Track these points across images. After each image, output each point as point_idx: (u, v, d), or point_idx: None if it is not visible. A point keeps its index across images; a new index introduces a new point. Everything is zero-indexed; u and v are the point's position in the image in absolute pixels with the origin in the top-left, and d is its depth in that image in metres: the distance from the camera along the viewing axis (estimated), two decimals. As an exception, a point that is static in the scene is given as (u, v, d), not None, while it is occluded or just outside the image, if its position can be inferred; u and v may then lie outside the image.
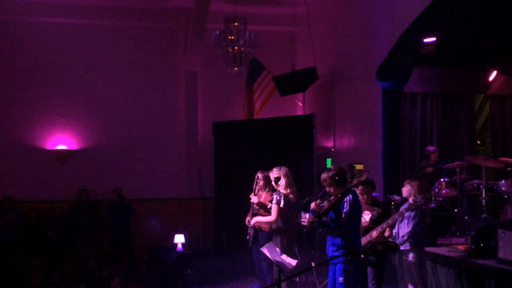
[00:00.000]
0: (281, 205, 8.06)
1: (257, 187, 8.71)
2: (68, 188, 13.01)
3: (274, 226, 8.23)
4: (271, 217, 8.17)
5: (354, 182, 7.44)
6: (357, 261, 6.23)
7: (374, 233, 6.88)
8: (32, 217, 12.33)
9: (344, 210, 6.06)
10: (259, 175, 8.72)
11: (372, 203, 7.22)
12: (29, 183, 13.04)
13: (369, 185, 7.30)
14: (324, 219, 6.17)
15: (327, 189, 6.36)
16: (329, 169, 6.33)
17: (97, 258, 11.83)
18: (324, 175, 6.30)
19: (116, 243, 12.47)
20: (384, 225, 6.89)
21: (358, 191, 7.29)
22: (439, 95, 10.83)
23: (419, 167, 10.13)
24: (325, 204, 6.24)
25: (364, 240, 6.87)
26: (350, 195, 6.14)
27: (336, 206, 6.10)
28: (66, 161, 13.34)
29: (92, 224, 12.57)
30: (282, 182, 8.17)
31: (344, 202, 6.08)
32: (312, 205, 6.45)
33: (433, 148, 10.07)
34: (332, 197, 6.22)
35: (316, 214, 6.14)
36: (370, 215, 7.06)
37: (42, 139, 13.28)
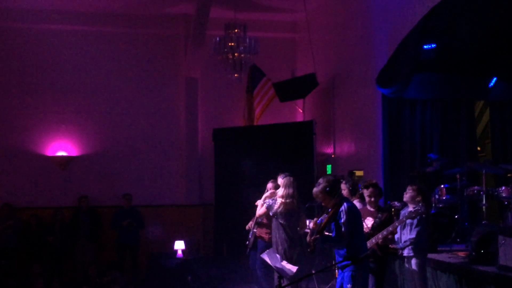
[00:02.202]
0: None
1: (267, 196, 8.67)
2: (68, 195, 13.00)
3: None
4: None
5: (365, 183, 7.42)
6: (365, 268, 6.20)
7: (374, 240, 6.86)
8: (32, 223, 12.30)
9: (342, 221, 6.00)
10: (270, 184, 8.69)
11: (377, 209, 7.19)
12: (29, 189, 13.03)
13: (378, 188, 7.28)
14: (325, 233, 6.14)
15: (322, 203, 6.32)
16: (318, 183, 6.22)
17: (97, 264, 11.82)
18: (315, 190, 6.21)
19: (123, 249, 12.44)
20: (385, 232, 6.87)
21: (366, 193, 7.24)
22: (439, 101, 10.83)
23: (419, 169, 10.13)
24: (324, 218, 6.21)
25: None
26: (345, 204, 6.09)
27: (334, 218, 6.05)
28: (66, 168, 13.34)
29: (92, 231, 12.54)
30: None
31: (341, 212, 6.03)
32: (311, 225, 6.45)
33: (436, 156, 10.06)
34: (329, 210, 6.19)
35: (317, 230, 6.09)
36: (373, 221, 7.03)
37: (42, 145, 13.27)
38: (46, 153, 13.27)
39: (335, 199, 6.15)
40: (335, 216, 6.05)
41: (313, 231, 6.24)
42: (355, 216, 6.18)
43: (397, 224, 6.98)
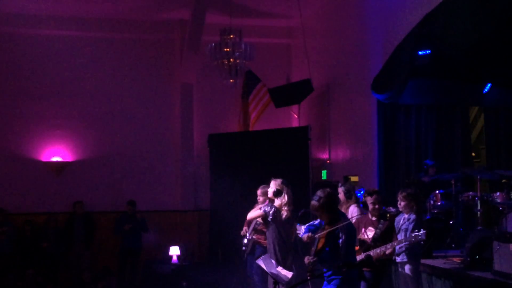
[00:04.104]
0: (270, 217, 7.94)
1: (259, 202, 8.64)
2: (63, 200, 12.98)
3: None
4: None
5: (368, 190, 7.37)
6: (353, 276, 6.09)
7: (372, 253, 6.78)
8: (26, 229, 12.27)
9: (341, 241, 5.76)
10: (260, 190, 8.67)
11: (379, 217, 7.12)
12: (24, 195, 13.01)
13: (381, 196, 7.21)
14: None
15: (318, 217, 6.09)
16: (318, 196, 5.93)
17: (92, 270, 11.79)
18: (314, 203, 5.94)
19: (125, 254, 12.41)
20: (383, 249, 6.83)
21: (370, 200, 7.16)
22: (433, 107, 10.86)
23: (415, 176, 10.15)
24: (319, 235, 5.95)
25: (360, 257, 6.78)
26: (344, 222, 5.88)
27: (331, 237, 5.84)
28: (61, 173, 13.32)
29: (87, 236, 12.52)
30: (285, 198, 8.05)
31: (339, 232, 5.79)
32: (305, 237, 6.21)
33: (431, 163, 10.08)
34: (324, 224, 6.01)
35: (314, 252, 5.89)
36: (374, 232, 6.96)
37: (37, 150, 13.26)
38: (41, 159, 13.25)
39: (332, 215, 5.96)
40: (332, 234, 5.83)
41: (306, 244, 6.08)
42: (352, 233, 6.00)
43: (395, 244, 6.93)
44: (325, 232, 5.91)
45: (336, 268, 5.80)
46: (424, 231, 6.82)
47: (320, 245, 5.89)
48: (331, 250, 5.84)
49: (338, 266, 5.80)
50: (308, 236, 6.10)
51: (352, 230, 6.03)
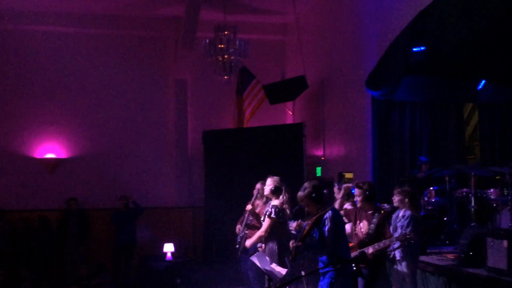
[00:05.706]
0: (272, 215, 7.91)
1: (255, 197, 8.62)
2: (57, 197, 12.93)
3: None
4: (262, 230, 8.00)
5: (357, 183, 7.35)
6: (346, 273, 6.10)
7: (371, 249, 6.74)
8: (19, 226, 12.23)
9: (326, 228, 5.88)
10: (259, 185, 8.65)
11: (374, 211, 7.06)
12: (17, 191, 12.95)
13: (362, 190, 7.13)
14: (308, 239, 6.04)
15: (306, 208, 6.24)
16: (304, 187, 6.13)
17: (86, 267, 11.78)
18: (300, 194, 6.12)
19: (119, 251, 12.41)
20: (377, 247, 6.79)
21: (358, 189, 7.11)
22: (428, 104, 10.88)
23: (409, 172, 10.17)
24: (307, 223, 6.09)
25: (355, 253, 6.75)
26: (330, 211, 5.97)
27: (317, 224, 5.94)
28: (55, 170, 13.27)
29: (81, 233, 12.50)
30: (286, 195, 8.02)
31: (325, 219, 5.90)
32: (294, 224, 6.34)
33: (426, 159, 10.10)
34: (313, 216, 6.07)
35: (299, 237, 5.98)
36: (367, 226, 6.93)
37: (31, 147, 13.21)
38: (34, 155, 13.20)
39: (319, 205, 6.07)
40: (319, 222, 5.94)
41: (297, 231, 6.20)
42: (339, 224, 6.09)
43: (388, 242, 6.89)
44: (312, 220, 6.00)
45: (331, 265, 5.84)
46: (411, 229, 6.78)
47: (305, 232, 5.98)
48: (317, 237, 5.94)
49: (333, 262, 5.84)
50: (298, 224, 6.22)
51: (338, 218, 6.12)
